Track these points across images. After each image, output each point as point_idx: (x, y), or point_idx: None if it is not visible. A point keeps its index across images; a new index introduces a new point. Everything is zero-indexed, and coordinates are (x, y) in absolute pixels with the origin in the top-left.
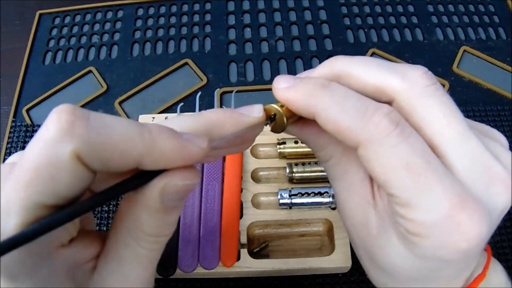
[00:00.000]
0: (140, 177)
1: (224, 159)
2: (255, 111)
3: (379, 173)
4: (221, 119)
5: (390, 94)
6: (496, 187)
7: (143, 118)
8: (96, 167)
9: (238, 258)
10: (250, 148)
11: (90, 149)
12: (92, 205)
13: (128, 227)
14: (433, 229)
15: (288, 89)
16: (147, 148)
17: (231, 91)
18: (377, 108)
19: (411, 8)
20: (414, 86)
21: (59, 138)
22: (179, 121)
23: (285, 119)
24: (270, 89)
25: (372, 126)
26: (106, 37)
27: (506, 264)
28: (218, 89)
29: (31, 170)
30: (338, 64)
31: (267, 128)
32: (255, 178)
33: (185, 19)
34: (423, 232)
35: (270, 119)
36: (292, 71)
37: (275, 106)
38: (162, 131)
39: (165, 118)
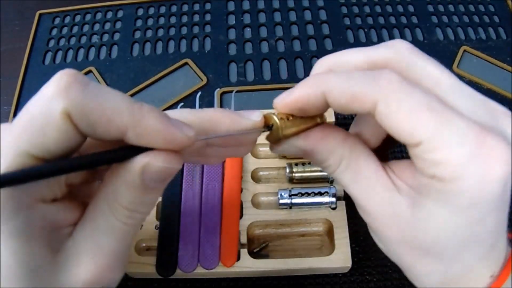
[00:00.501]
0: (125, 151)
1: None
2: (254, 116)
3: (404, 122)
4: (218, 116)
5: (383, 63)
6: (504, 120)
7: None
8: (84, 129)
9: (238, 258)
10: None
11: (80, 110)
12: (72, 166)
13: (106, 197)
14: (468, 164)
15: (292, 91)
16: (133, 122)
17: (231, 91)
18: (382, 70)
19: (411, 8)
20: (403, 50)
21: (54, 95)
22: (178, 111)
23: (280, 131)
24: (270, 89)
25: (384, 82)
26: (106, 37)
27: None
28: (218, 89)
29: (25, 121)
30: (328, 60)
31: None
32: (255, 178)
33: (185, 19)
34: (459, 171)
35: (268, 127)
36: (292, 71)
37: (275, 116)
38: (152, 110)
39: None
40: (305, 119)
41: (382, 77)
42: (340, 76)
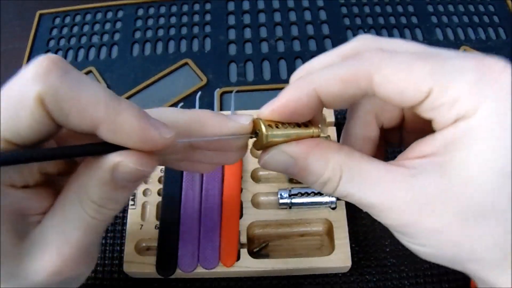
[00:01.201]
0: (98, 146)
1: None
2: (243, 119)
3: (407, 80)
4: (204, 117)
5: (355, 53)
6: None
7: None
8: (56, 117)
9: (238, 258)
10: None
11: (54, 97)
12: (43, 155)
13: (77, 189)
14: (482, 86)
15: (279, 96)
16: (108, 117)
17: (231, 91)
18: (360, 51)
19: (411, 8)
20: (368, 37)
21: (31, 78)
22: (162, 110)
23: (265, 137)
24: (270, 89)
25: (369, 55)
26: (106, 37)
27: None
28: (218, 89)
29: (2, 102)
30: (303, 68)
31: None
32: (255, 178)
33: (185, 19)
34: (477, 95)
35: (256, 133)
36: (292, 71)
37: (261, 121)
38: (130, 107)
39: None
40: (298, 128)
41: (364, 54)
42: (324, 69)
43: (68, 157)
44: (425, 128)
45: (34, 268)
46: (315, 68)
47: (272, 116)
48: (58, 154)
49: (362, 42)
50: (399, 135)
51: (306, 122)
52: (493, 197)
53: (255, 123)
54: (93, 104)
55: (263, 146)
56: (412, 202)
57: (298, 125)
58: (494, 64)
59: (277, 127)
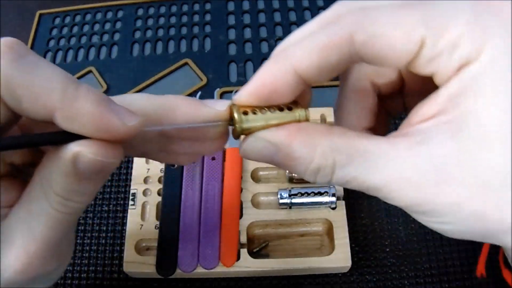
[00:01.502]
0: (58, 136)
1: (224, 158)
2: (219, 105)
3: (395, 32)
4: (176, 103)
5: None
6: None
7: None
8: (9, 103)
9: (238, 258)
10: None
11: (6, 82)
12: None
13: (41, 180)
14: (482, 32)
15: (254, 77)
16: (64, 102)
17: (231, 91)
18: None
19: None
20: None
21: None
22: (129, 96)
23: (239, 124)
24: None
25: (348, 15)
26: (106, 37)
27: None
28: (218, 89)
29: None
30: (281, 45)
31: None
32: (255, 178)
33: (185, 19)
34: (478, 40)
35: (233, 120)
36: None
37: (234, 107)
38: (88, 93)
39: None
40: (280, 112)
41: (340, 18)
42: (301, 41)
43: (21, 147)
44: (430, 88)
45: (1, 266)
46: (293, 43)
47: (249, 100)
48: (11, 144)
49: (342, 5)
50: (402, 102)
51: (290, 105)
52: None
53: (231, 108)
54: (47, 90)
55: (239, 134)
56: (423, 175)
57: (281, 109)
58: None
59: (254, 113)
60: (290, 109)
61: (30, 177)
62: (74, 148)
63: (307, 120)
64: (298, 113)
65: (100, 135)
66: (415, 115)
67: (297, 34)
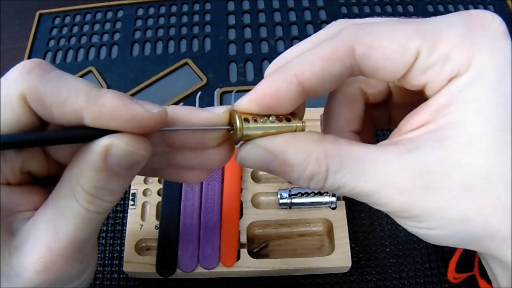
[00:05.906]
0: (87, 130)
1: None
2: (217, 109)
3: (391, 45)
4: (177, 108)
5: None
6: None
7: None
8: (40, 113)
9: (238, 258)
10: None
11: (35, 93)
12: (25, 140)
13: (70, 178)
14: (472, 35)
15: (257, 87)
16: (89, 101)
17: (231, 91)
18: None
19: (411, 8)
20: (343, 20)
21: (14, 78)
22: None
23: (240, 131)
24: None
25: (346, 31)
26: (106, 37)
27: None
28: (218, 89)
29: None
30: (277, 60)
31: None
32: (255, 178)
33: (185, 19)
34: (468, 53)
35: (232, 126)
36: None
37: (236, 114)
38: (110, 91)
39: None
40: (278, 122)
41: (340, 32)
42: (303, 54)
43: (52, 143)
44: (415, 100)
45: (23, 266)
46: (292, 57)
47: (250, 108)
48: (41, 139)
49: (337, 25)
50: (388, 114)
51: (288, 116)
52: (496, 159)
53: (232, 115)
54: (73, 94)
55: (238, 140)
56: (412, 181)
57: (280, 119)
58: (482, 15)
59: (255, 120)
60: (288, 120)
61: (53, 186)
62: (105, 141)
63: (303, 131)
64: (296, 124)
65: (128, 125)
66: (405, 124)
67: (295, 50)
